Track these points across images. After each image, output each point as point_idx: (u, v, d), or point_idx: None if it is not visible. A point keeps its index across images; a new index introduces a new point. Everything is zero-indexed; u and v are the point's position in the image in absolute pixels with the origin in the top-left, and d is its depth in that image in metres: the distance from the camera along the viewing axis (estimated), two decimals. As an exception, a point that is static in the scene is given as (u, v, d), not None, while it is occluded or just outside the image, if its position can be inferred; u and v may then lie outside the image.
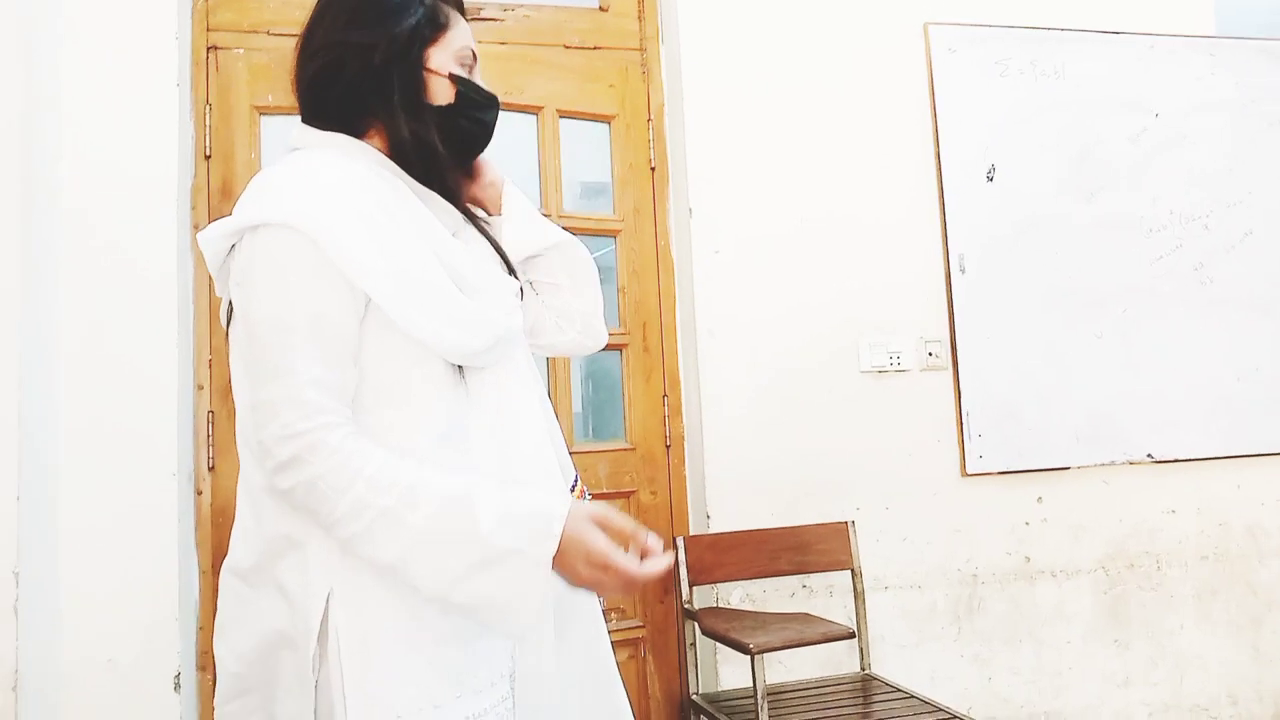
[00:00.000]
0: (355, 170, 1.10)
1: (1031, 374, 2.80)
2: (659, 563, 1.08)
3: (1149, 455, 2.86)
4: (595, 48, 2.72)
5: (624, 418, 2.66)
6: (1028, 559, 2.77)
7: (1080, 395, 2.83)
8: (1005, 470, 2.76)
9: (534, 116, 2.63)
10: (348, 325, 1.05)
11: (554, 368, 2.57)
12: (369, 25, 1.14)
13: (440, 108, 1.17)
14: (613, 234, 2.69)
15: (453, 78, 1.18)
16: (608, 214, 2.72)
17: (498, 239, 1.28)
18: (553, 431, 1.25)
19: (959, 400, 2.75)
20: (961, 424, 2.74)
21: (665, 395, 2.67)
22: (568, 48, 2.70)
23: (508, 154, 2.58)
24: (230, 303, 1.12)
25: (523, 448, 1.17)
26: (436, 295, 1.07)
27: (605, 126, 2.71)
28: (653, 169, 2.73)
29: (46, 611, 2.14)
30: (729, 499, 2.58)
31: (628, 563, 1.05)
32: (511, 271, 1.27)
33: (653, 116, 2.74)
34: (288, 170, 1.10)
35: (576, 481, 1.32)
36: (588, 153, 2.72)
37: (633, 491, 2.61)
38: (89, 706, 2.17)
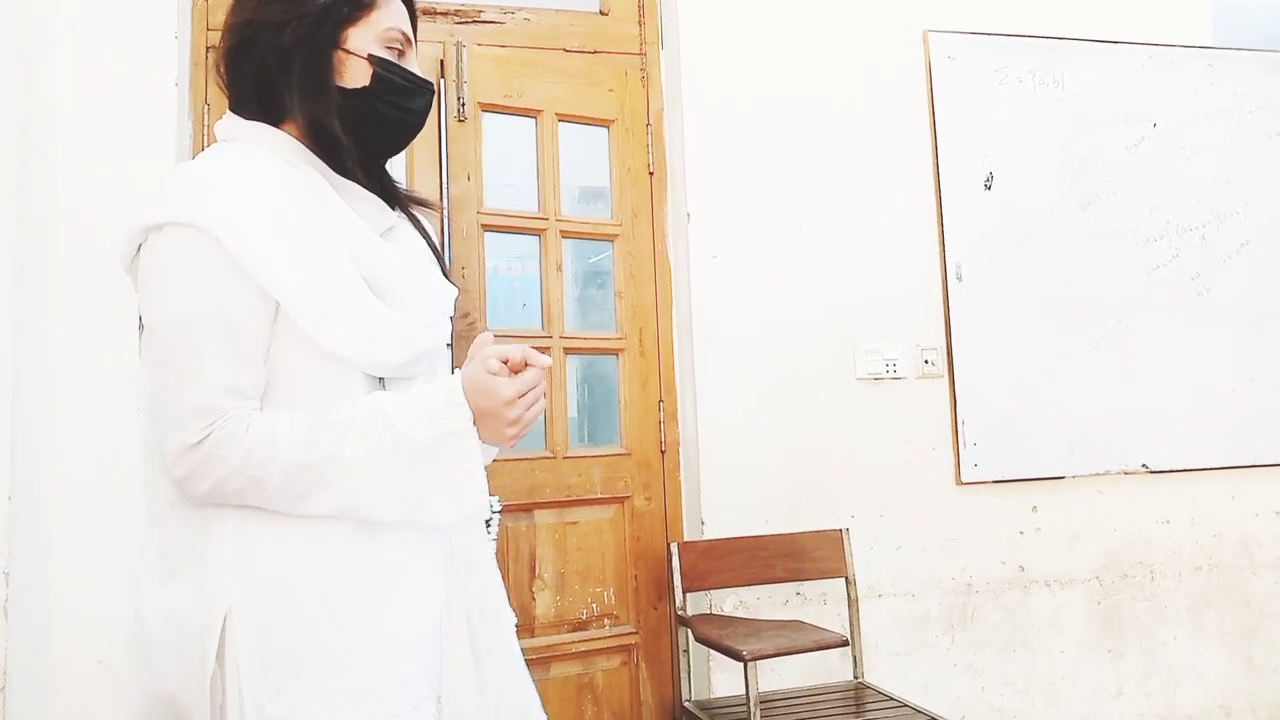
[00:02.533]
0: (268, 165, 1.04)
1: (1027, 383, 2.80)
2: (541, 358, 1.07)
3: (1144, 465, 2.86)
4: (595, 51, 2.72)
5: (619, 423, 2.65)
6: (1022, 568, 2.77)
7: (1076, 405, 2.83)
8: (1000, 479, 2.76)
9: (533, 120, 2.63)
10: (258, 327, 1.00)
11: (550, 371, 2.55)
12: (280, 3, 1.07)
13: (354, 90, 1.09)
14: (610, 238, 2.69)
15: (371, 59, 1.09)
16: (605, 218, 2.71)
17: (434, 236, 1.23)
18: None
19: (955, 408, 2.74)
20: (957, 432, 2.74)
21: (661, 400, 2.66)
22: (568, 51, 2.69)
23: (507, 158, 2.60)
24: None
25: None
26: (350, 305, 1.03)
27: (604, 131, 2.71)
28: (651, 174, 2.73)
29: (36, 612, 2.13)
30: (724, 505, 2.58)
31: (530, 377, 1.05)
32: (447, 275, 1.21)
33: (652, 121, 2.74)
34: (197, 167, 1.06)
35: (497, 508, 1.28)
36: (586, 157, 2.72)
37: (627, 497, 2.60)
38: (78, 708, 2.15)
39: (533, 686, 1.23)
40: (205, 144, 2.42)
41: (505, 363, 1.05)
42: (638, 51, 2.76)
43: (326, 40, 1.08)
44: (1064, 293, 2.86)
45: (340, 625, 1.02)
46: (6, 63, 2.16)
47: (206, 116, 2.43)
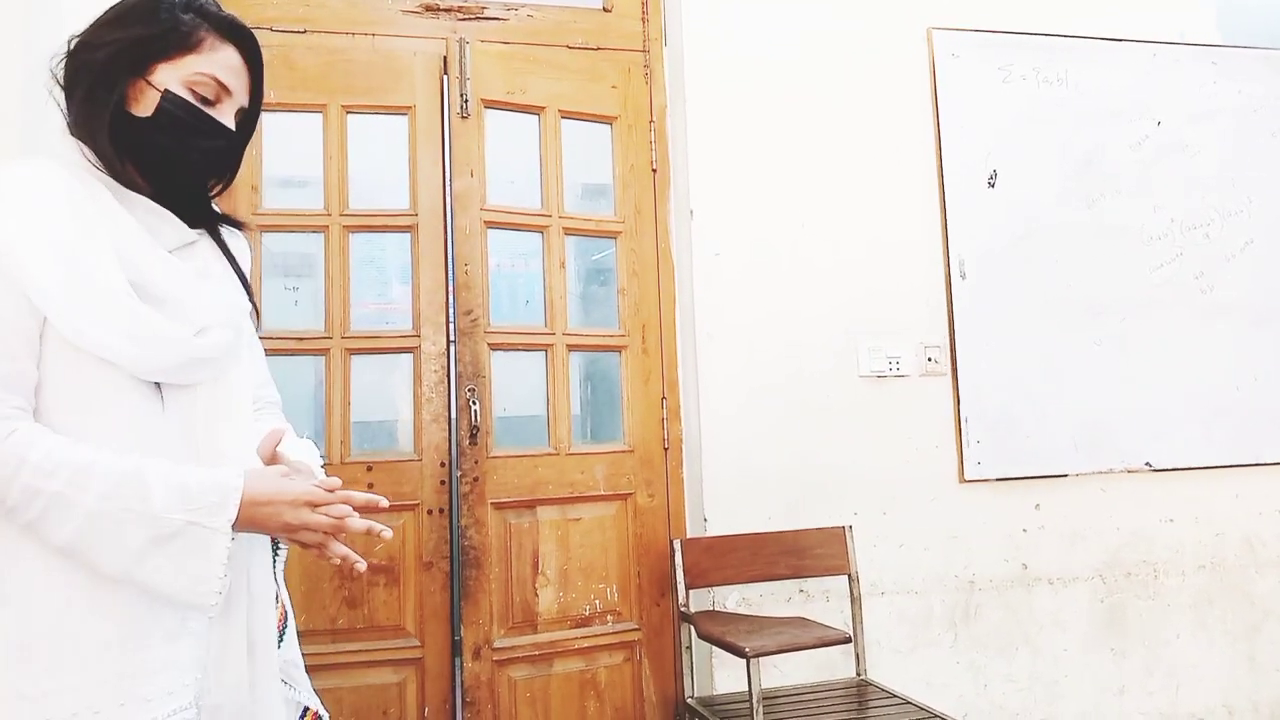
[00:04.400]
0: (51, 175, 1.09)
1: (1031, 381, 2.80)
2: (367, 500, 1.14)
3: (1147, 464, 2.86)
4: (598, 48, 2.72)
5: (622, 420, 2.65)
6: (1025, 566, 2.76)
7: (1079, 403, 2.82)
8: (1003, 477, 2.75)
9: (536, 117, 2.63)
10: (21, 323, 1.04)
11: (552, 368, 2.56)
12: (110, 27, 1.15)
13: (136, 117, 1.14)
14: (613, 235, 2.69)
15: (165, 93, 1.14)
16: (609, 215, 2.71)
17: (239, 257, 1.28)
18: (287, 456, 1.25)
19: (958, 406, 2.74)
20: (960, 430, 2.73)
21: (664, 398, 2.66)
22: (571, 48, 2.69)
23: (510, 154, 2.60)
24: None
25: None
26: (109, 305, 1.06)
27: (607, 127, 2.71)
28: (654, 170, 2.72)
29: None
30: (726, 502, 2.58)
31: (336, 509, 1.12)
32: (249, 290, 1.26)
33: (655, 118, 2.74)
34: None
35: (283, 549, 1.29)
36: (589, 154, 2.72)
37: (630, 494, 2.60)
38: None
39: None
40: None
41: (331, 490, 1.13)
42: (641, 48, 2.76)
43: (129, 67, 1.14)
44: (1067, 291, 2.86)
45: (90, 609, 1.04)
46: (6, 58, 2.16)
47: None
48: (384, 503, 1.18)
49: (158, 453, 1.08)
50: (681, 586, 2.46)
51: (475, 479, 2.44)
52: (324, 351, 2.44)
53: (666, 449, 2.65)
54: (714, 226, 2.65)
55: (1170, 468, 2.87)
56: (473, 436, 2.43)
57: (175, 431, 1.11)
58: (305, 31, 2.49)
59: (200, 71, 1.16)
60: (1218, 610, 2.88)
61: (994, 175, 2.84)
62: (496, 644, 2.42)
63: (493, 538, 2.44)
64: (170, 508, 1.03)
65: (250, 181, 2.44)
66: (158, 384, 1.11)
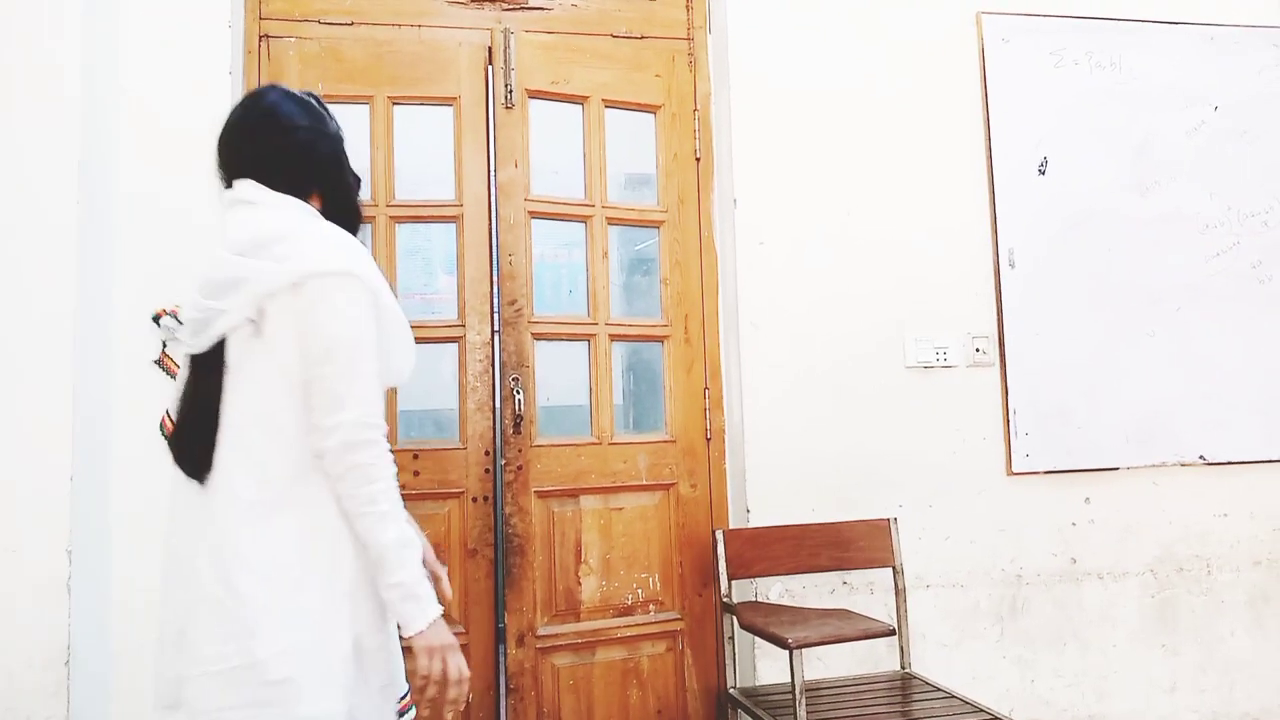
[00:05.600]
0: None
1: (1081, 372, 2.75)
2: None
3: (1201, 457, 2.80)
4: (642, 37, 2.71)
5: (664, 410, 2.65)
6: (1074, 560, 2.72)
7: (1131, 394, 2.77)
8: (1052, 470, 2.71)
9: (580, 107, 2.63)
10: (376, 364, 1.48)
11: (595, 358, 2.56)
12: (323, 120, 1.59)
13: (352, 179, 1.63)
14: (656, 225, 2.68)
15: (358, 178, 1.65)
16: (652, 204, 2.70)
17: None
18: None
19: (1006, 398, 2.70)
20: (1008, 422, 2.70)
21: (706, 388, 2.65)
22: (615, 37, 2.68)
23: (553, 144, 2.60)
24: (249, 319, 1.42)
25: None
26: (408, 336, 1.55)
27: (650, 116, 2.70)
28: (698, 159, 2.71)
29: (98, 589, 2.19)
30: (769, 493, 2.57)
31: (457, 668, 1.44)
32: None
33: (699, 106, 2.72)
34: (329, 231, 1.50)
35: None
36: (633, 143, 2.71)
37: (673, 484, 2.60)
38: (138, 683, 2.21)
39: None
40: (258, 132, 2.45)
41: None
42: (685, 36, 2.74)
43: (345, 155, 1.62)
44: (1120, 280, 2.80)
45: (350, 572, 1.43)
46: (66, 50, 2.21)
47: (259, 104, 2.47)
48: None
49: None
50: (724, 577, 2.46)
51: (519, 467, 2.45)
52: (371, 341, 2.47)
53: (709, 439, 2.64)
54: (758, 215, 2.64)
55: (1225, 461, 2.81)
56: (516, 425, 2.45)
57: None
58: (353, 24, 2.51)
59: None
60: (1274, 607, 2.81)
61: (1044, 162, 2.79)
62: (540, 631, 2.43)
63: (536, 526, 2.46)
64: (418, 582, 1.42)
65: (298, 173, 2.47)
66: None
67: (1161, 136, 2.88)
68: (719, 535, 2.49)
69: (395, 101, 2.52)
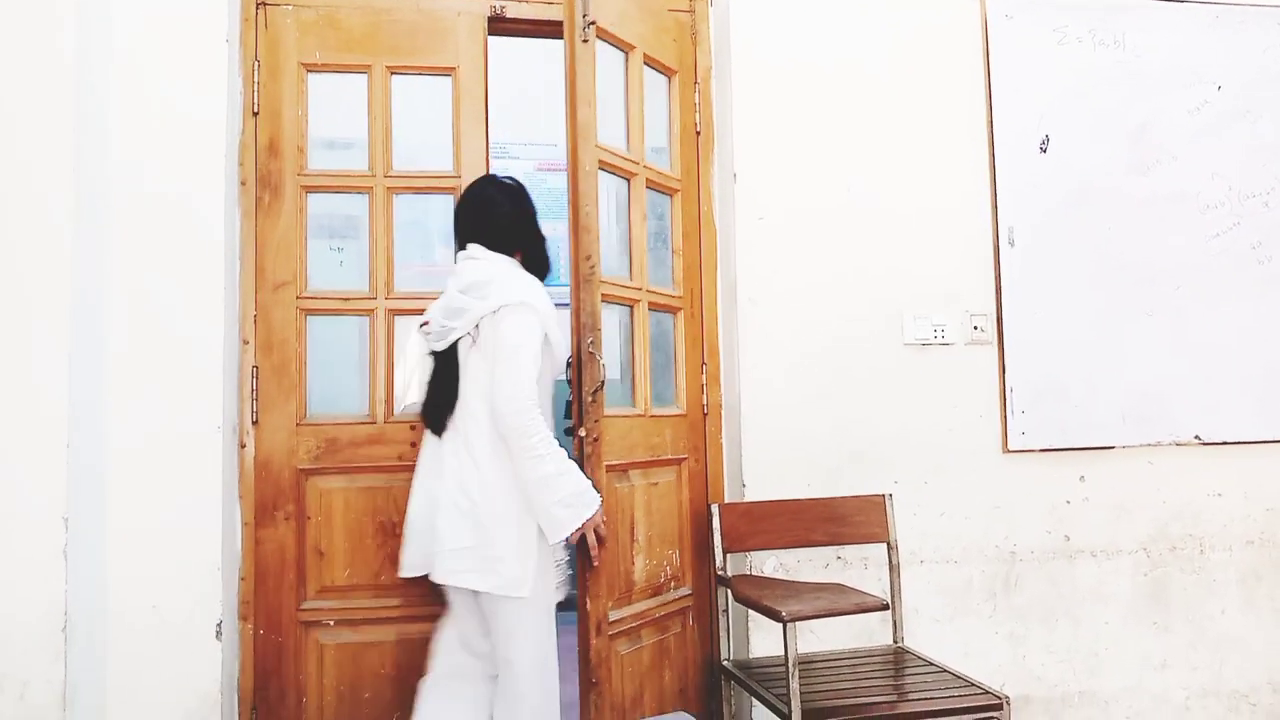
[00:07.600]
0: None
1: (1078, 351, 2.75)
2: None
3: (1196, 437, 2.80)
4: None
5: (675, 383, 2.62)
6: (1067, 538, 2.73)
7: (1128, 374, 2.77)
8: (1048, 448, 2.72)
9: (624, 54, 2.44)
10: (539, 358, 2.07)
11: (637, 324, 2.45)
12: (529, 205, 2.25)
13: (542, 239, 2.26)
14: (673, 192, 2.63)
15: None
16: (666, 170, 2.63)
17: None
18: None
19: (1003, 376, 2.71)
20: (1005, 400, 2.70)
21: (704, 363, 2.65)
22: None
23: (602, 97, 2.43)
24: (467, 335, 2.09)
25: None
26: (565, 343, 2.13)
27: (667, 80, 2.65)
28: (698, 133, 2.70)
29: (94, 557, 2.20)
30: (765, 468, 2.57)
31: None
32: None
33: (699, 79, 2.71)
34: (527, 280, 2.12)
35: None
36: (652, 109, 2.62)
37: (684, 458, 2.56)
38: (133, 650, 2.22)
39: None
40: (254, 100, 2.44)
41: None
42: (687, 8, 2.72)
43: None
44: (1119, 259, 2.80)
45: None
46: (60, 16, 2.18)
47: (255, 73, 2.45)
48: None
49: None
50: (719, 551, 2.47)
51: (595, 439, 2.14)
52: (369, 313, 2.47)
53: (706, 414, 2.64)
54: (758, 190, 2.62)
55: (1221, 441, 2.82)
56: (594, 392, 2.14)
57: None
58: (351, -9, 2.49)
59: None
60: (1266, 586, 2.83)
61: (1046, 140, 2.78)
62: (612, 617, 2.21)
63: (608, 502, 2.18)
64: (584, 492, 2.03)
65: (296, 143, 2.46)
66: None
67: (1164, 115, 2.86)
68: (714, 509, 2.50)
69: (394, 71, 2.51)
